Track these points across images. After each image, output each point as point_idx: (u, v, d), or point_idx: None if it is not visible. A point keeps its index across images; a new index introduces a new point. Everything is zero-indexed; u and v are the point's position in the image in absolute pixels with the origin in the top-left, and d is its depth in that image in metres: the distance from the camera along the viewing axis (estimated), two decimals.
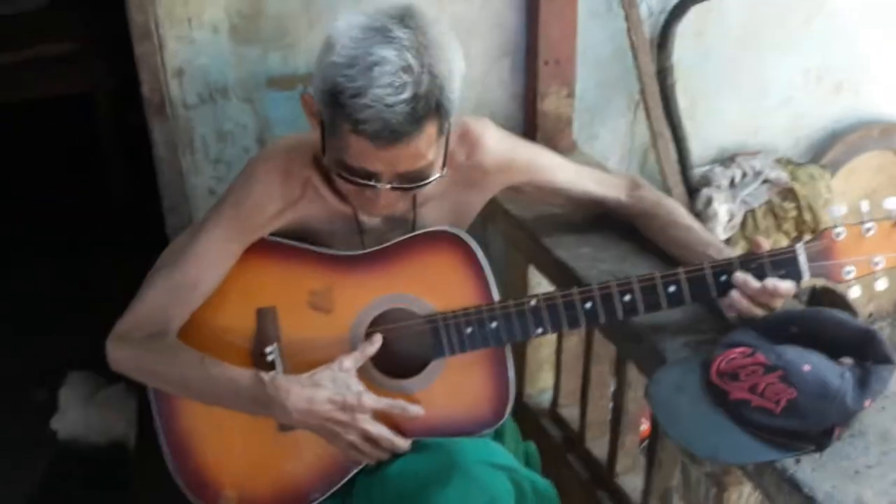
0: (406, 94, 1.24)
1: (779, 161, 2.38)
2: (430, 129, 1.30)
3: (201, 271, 1.48)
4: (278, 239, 1.53)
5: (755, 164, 2.33)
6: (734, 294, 1.39)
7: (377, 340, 1.48)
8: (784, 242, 2.32)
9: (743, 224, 2.33)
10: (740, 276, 1.38)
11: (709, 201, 2.24)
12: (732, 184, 2.31)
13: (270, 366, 1.49)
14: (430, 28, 1.29)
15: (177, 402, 1.52)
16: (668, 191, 2.23)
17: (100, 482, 2.16)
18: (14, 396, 2.51)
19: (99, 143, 3.92)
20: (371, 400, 1.43)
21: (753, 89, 2.35)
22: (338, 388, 1.42)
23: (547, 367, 2.17)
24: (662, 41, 2.14)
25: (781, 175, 2.32)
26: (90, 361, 2.24)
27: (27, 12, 4.03)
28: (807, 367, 1.25)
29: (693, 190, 2.27)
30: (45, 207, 3.89)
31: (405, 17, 1.28)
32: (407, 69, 1.24)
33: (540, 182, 1.63)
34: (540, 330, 1.48)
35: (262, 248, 1.52)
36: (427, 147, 1.32)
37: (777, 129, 2.44)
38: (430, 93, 1.26)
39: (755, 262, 1.40)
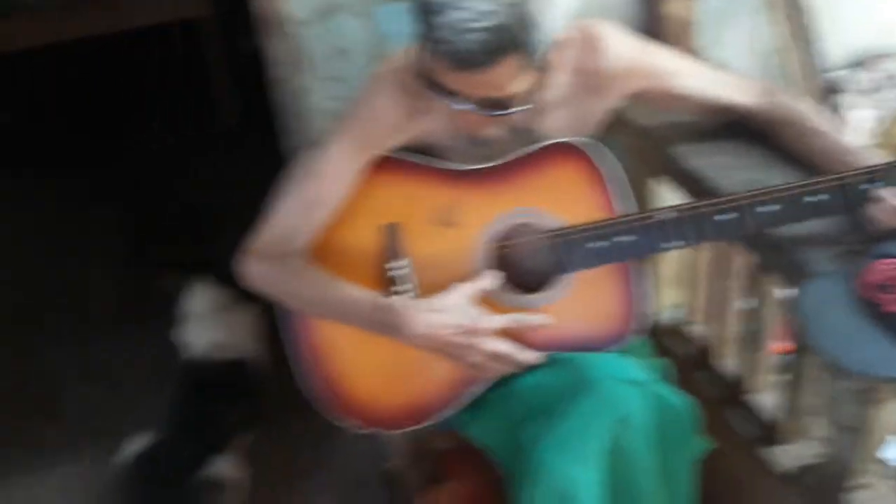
0: (482, 24, 1.22)
1: None
2: (509, 63, 1.27)
3: (326, 188, 1.49)
4: (401, 155, 1.51)
5: (891, 67, 2.17)
6: (873, 206, 1.31)
7: (495, 276, 1.47)
8: None
9: (877, 132, 2.19)
10: (884, 191, 1.30)
11: (840, 107, 2.11)
12: (867, 88, 2.16)
13: (397, 281, 1.49)
14: None
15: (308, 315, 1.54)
16: (797, 97, 2.11)
17: (228, 398, 2.22)
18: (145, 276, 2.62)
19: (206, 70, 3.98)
20: (490, 321, 1.43)
21: None
22: (458, 312, 1.42)
23: (675, 282, 2.11)
24: None
25: None
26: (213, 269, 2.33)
27: None
28: None
29: (825, 96, 2.14)
30: (151, 136, 4.01)
31: None
32: None
33: (667, 87, 1.56)
34: (672, 243, 1.43)
35: (385, 165, 1.51)
36: (508, 80, 1.30)
37: None
38: (510, 27, 1.24)
39: None
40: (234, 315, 2.33)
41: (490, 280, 1.47)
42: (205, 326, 2.32)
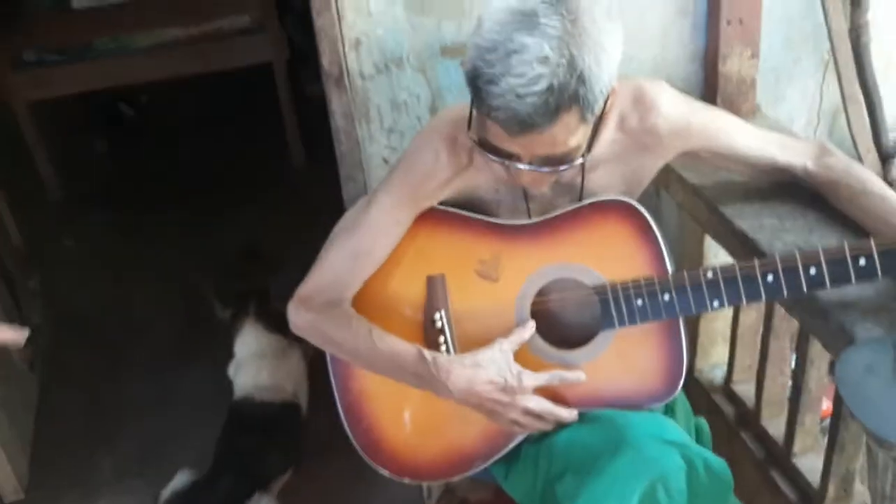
0: (539, 87, 1.21)
1: None
2: (567, 119, 1.27)
3: (374, 239, 1.52)
4: (448, 208, 1.55)
5: None
6: None
7: (531, 324, 1.49)
8: None
9: None
10: None
11: None
12: None
13: (439, 332, 1.52)
14: (582, 14, 1.23)
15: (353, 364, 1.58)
16: (859, 158, 2.08)
17: (274, 438, 2.27)
18: (201, 305, 2.69)
19: (279, 112, 4.11)
20: (531, 379, 1.44)
21: None
22: (498, 369, 1.43)
23: (720, 340, 2.10)
24: None
25: None
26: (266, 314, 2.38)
27: None
28: None
29: (887, 157, 2.11)
30: (229, 170, 4.15)
31: (558, 2, 1.24)
32: (544, 60, 1.21)
33: (718, 147, 1.56)
34: (717, 303, 1.42)
35: (432, 217, 1.55)
36: (566, 135, 1.29)
37: None
38: (566, 85, 1.22)
39: None
40: (282, 357, 2.39)
41: (527, 330, 1.48)
42: (252, 368, 2.39)
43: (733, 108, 1.98)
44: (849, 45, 2.00)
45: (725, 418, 2.03)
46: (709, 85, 2.00)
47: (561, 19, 1.22)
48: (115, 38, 4.02)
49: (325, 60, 1.86)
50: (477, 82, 1.26)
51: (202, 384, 2.70)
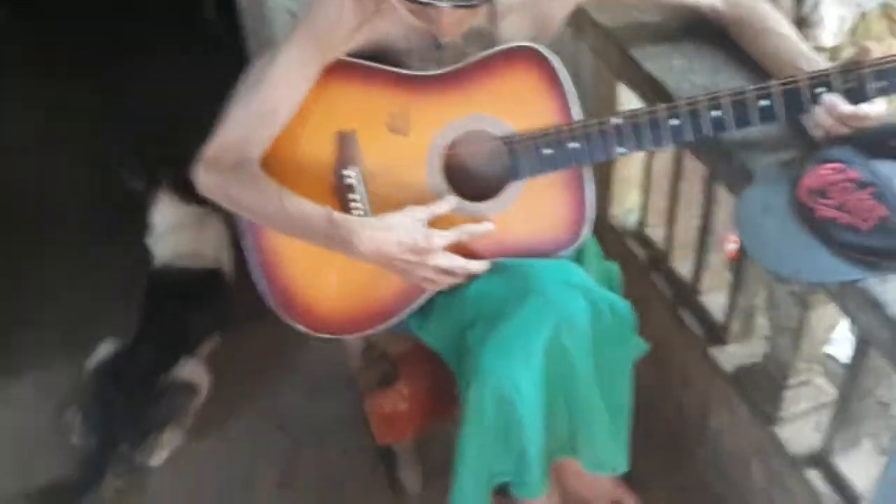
0: None
1: None
2: None
3: (280, 95, 1.48)
4: (355, 59, 1.50)
5: None
6: (819, 113, 1.31)
7: (452, 200, 1.48)
8: None
9: (854, 29, 2.16)
10: (828, 98, 1.30)
11: (816, 3, 2.07)
12: None
13: (350, 189, 1.51)
14: None
15: None
16: None
17: (196, 303, 2.27)
18: (110, 178, 2.62)
19: None
20: (440, 238, 1.44)
21: None
22: (407, 230, 1.43)
23: (633, 186, 2.13)
24: None
25: None
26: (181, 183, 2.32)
27: None
28: None
29: None
30: (139, 28, 3.95)
31: None
32: None
33: None
34: (623, 149, 1.43)
35: (339, 70, 1.50)
36: None
37: None
38: None
39: (854, 73, 1.30)
40: (200, 225, 2.36)
41: (446, 204, 1.48)
42: (170, 236, 2.35)
43: None
44: None
45: (638, 261, 2.08)
46: None
47: None
48: None
49: None
50: None
51: (122, 257, 2.64)
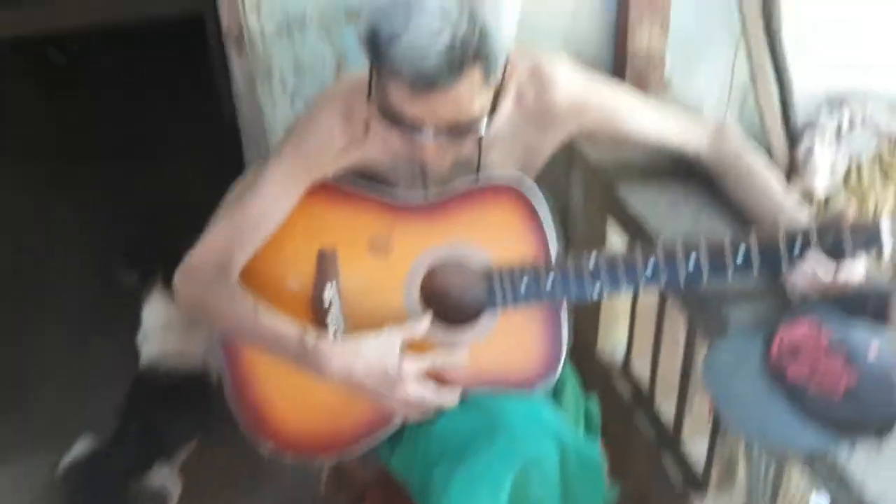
0: (442, 41, 1.18)
1: (892, 108, 2.18)
2: (471, 77, 1.24)
3: (264, 210, 1.49)
4: (341, 181, 1.52)
5: (866, 109, 2.14)
6: (797, 275, 1.30)
7: (426, 320, 1.46)
8: (891, 198, 2.14)
9: (847, 176, 2.16)
10: (809, 265, 1.29)
11: (810, 152, 2.09)
12: (839, 130, 2.14)
13: (328, 308, 1.50)
14: None
15: None
16: (766, 135, 2.09)
17: (178, 408, 2.25)
18: (104, 273, 2.64)
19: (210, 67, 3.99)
20: (412, 366, 1.42)
21: (869, 26, 2.14)
22: (379, 356, 1.40)
23: (622, 320, 2.11)
24: None
25: (893, 124, 2.13)
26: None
27: None
28: (873, 351, 1.17)
29: (794, 135, 2.12)
30: (157, 125, 4.04)
31: None
32: (445, 14, 1.18)
33: (614, 126, 1.55)
34: (597, 291, 1.42)
35: (325, 190, 1.51)
36: (470, 96, 1.26)
37: (894, 69, 2.22)
38: (469, 40, 1.19)
39: (832, 234, 1.30)
40: (190, 326, 2.35)
41: (420, 326, 1.46)
42: (159, 335, 2.34)
43: (642, 81, 1.97)
44: (760, 24, 1.99)
45: (621, 398, 2.05)
46: (618, 58, 1.99)
47: None
48: None
49: (225, 19, 1.80)
50: (377, 42, 1.22)
51: (114, 350, 2.63)
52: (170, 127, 4.01)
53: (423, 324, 1.46)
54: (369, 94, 1.34)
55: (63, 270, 3.13)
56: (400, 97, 1.27)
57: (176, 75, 4.37)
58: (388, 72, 1.24)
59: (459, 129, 1.31)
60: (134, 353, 2.40)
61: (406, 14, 1.19)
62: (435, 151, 1.35)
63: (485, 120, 1.32)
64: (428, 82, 1.22)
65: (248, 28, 1.83)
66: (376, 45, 1.23)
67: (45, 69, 4.64)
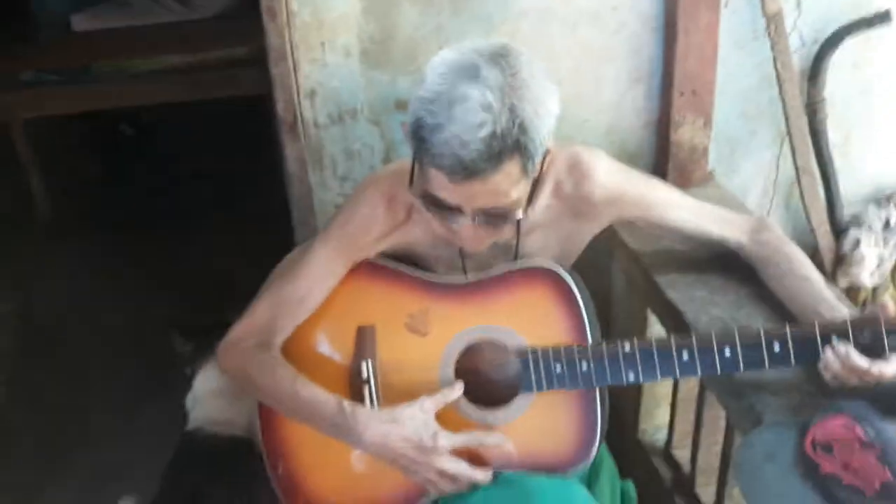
0: (483, 133, 1.24)
1: None
2: (510, 168, 1.28)
3: (308, 287, 1.55)
4: (383, 261, 1.57)
5: None
6: (829, 357, 1.30)
7: (458, 387, 1.48)
8: None
9: (894, 270, 2.15)
10: (842, 349, 1.29)
11: (857, 243, 2.08)
12: (887, 226, 2.13)
13: (364, 382, 1.53)
14: (521, 68, 1.27)
15: None
16: (812, 230, 2.10)
17: (222, 474, 2.26)
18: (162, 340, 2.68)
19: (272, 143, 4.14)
20: (447, 440, 1.43)
21: None
22: (415, 427, 1.43)
23: (664, 403, 2.10)
24: (814, 73, 2.00)
25: None
26: None
27: (206, 18, 4.37)
28: None
29: (840, 230, 2.12)
30: (221, 196, 4.18)
31: (497, 56, 1.28)
32: (487, 107, 1.24)
33: (652, 218, 1.58)
34: (632, 377, 1.43)
35: (367, 269, 1.57)
36: (508, 186, 1.31)
37: None
38: (508, 132, 1.25)
39: (869, 329, 1.30)
40: (239, 397, 2.39)
41: (453, 393, 1.48)
42: (208, 401, 2.38)
43: (685, 175, 2.00)
44: (804, 120, 2.02)
45: (663, 482, 2.02)
46: (661, 151, 2.02)
47: (501, 71, 1.26)
48: (113, 63, 4.08)
49: (280, 108, 1.89)
50: (421, 132, 1.29)
51: (160, 416, 2.69)
52: (232, 199, 4.15)
53: (456, 390, 1.48)
54: (411, 181, 1.40)
55: (113, 339, 3.22)
56: (440, 184, 1.32)
57: (238, 152, 4.54)
58: (429, 160, 1.30)
59: (497, 216, 1.36)
60: (181, 421, 2.45)
61: (449, 105, 1.25)
62: (472, 236, 1.39)
63: (523, 207, 1.37)
64: (467, 172, 1.27)
65: (303, 116, 1.92)
66: (420, 135, 1.29)
67: (115, 142, 4.85)
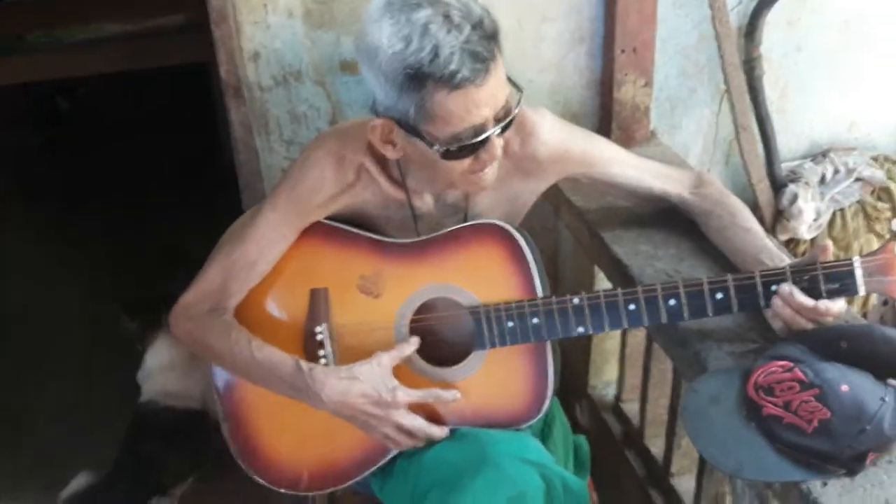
0: (468, 26, 1.27)
1: (875, 159, 2.25)
2: (499, 58, 1.32)
3: (259, 251, 1.54)
4: (333, 223, 1.57)
5: (849, 160, 2.20)
6: (777, 303, 1.35)
7: (414, 342, 1.50)
8: (875, 244, 2.20)
9: (831, 224, 2.22)
10: (786, 288, 1.34)
11: (794, 198, 2.14)
12: (823, 181, 2.20)
13: (319, 345, 1.54)
14: None
15: None
16: (751, 185, 2.15)
17: (176, 444, 2.27)
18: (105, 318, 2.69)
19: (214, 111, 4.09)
20: (405, 394, 1.46)
21: (851, 82, 2.22)
22: (373, 382, 1.45)
23: (613, 359, 2.15)
24: (750, 30, 2.04)
25: (877, 173, 2.19)
26: None
27: None
28: (844, 388, 1.20)
29: (779, 186, 2.18)
30: (160, 168, 4.12)
31: None
32: (448, 13, 1.27)
33: (595, 174, 1.61)
34: (581, 329, 1.46)
35: (317, 231, 1.57)
36: (503, 79, 1.34)
37: (875, 124, 2.29)
38: (481, 22, 1.29)
39: (808, 274, 1.34)
40: (191, 366, 2.38)
41: (409, 347, 1.50)
42: (160, 374, 2.37)
43: (627, 133, 2.03)
44: (742, 77, 2.06)
45: (614, 435, 2.07)
46: (604, 110, 2.05)
47: None
48: (48, 32, 3.97)
49: (223, 71, 1.86)
50: (420, 74, 1.27)
51: (109, 390, 2.67)
52: (172, 170, 4.10)
53: (411, 345, 1.50)
54: (430, 147, 1.36)
55: (64, 314, 3.18)
56: (464, 107, 1.30)
57: (179, 121, 4.46)
58: (446, 87, 1.28)
59: (508, 110, 1.37)
60: (134, 394, 2.44)
61: (424, 32, 1.26)
62: (496, 156, 1.39)
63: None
64: (485, 63, 1.28)
65: (247, 79, 1.90)
66: (421, 78, 1.28)
67: (51, 115, 4.75)
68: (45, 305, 3.25)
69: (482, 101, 1.31)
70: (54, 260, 3.50)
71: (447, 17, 1.26)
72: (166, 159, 4.21)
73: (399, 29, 1.28)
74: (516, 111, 1.39)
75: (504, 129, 1.38)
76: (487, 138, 1.36)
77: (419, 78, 1.28)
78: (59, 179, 4.20)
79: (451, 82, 1.27)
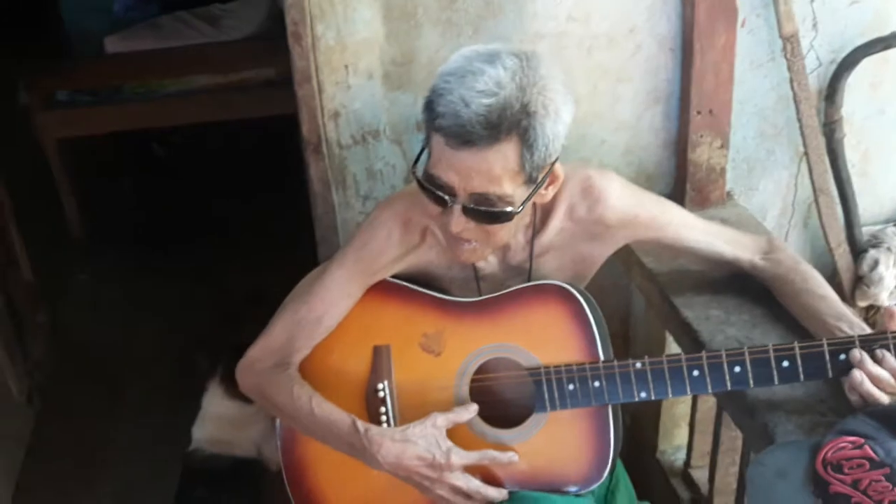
0: (487, 100, 1.27)
1: None
2: (507, 149, 1.30)
3: (325, 308, 1.57)
4: (398, 281, 1.60)
5: None
6: (855, 374, 1.31)
7: (472, 409, 1.51)
8: None
9: None
10: (857, 354, 1.30)
11: (875, 263, 2.08)
12: None
13: (381, 402, 1.56)
14: (541, 66, 1.32)
15: None
16: (830, 250, 2.10)
17: (226, 494, 2.28)
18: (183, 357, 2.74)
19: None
20: (459, 457, 1.46)
21: None
22: (427, 444, 1.45)
23: (683, 423, 2.11)
24: (831, 93, 2.01)
25: None
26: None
27: (236, 40, 4.47)
28: None
29: (860, 251, 2.12)
30: (253, 216, 4.23)
31: (520, 51, 1.32)
32: (497, 82, 1.28)
33: (665, 240, 1.60)
34: (643, 394, 1.45)
35: (383, 289, 1.60)
36: (502, 171, 1.32)
37: None
38: (514, 111, 1.28)
39: (878, 343, 1.31)
40: (242, 422, 2.40)
41: (467, 413, 1.50)
42: (208, 420, 2.39)
43: (702, 195, 2.02)
44: (821, 140, 2.03)
45: (681, 503, 2.03)
46: (679, 171, 2.04)
47: (520, 61, 1.31)
48: (144, 83, 4.18)
49: (305, 129, 1.93)
50: (431, 97, 1.33)
51: (187, 429, 2.73)
52: (265, 218, 4.18)
53: (469, 410, 1.50)
54: (415, 163, 1.42)
55: (146, 353, 3.28)
56: (438, 154, 1.34)
57: (266, 171, 4.60)
58: (434, 126, 1.32)
59: (486, 210, 1.35)
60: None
61: (463, 77, 1.30)
62: (459, 222, 1.38)
63: (516, 211, 1.37)
64: (465, 135, 1.28)
65: (326, 137, 1.96)
66: (430, 103, 1.33)
67: (148, 161, 4.95)
68: (132, 344, 3.36)
69: (453, 164, 1.33)
70: (141, 302, 3.62)
71: (493, 82, 1.28)
72: (252, 208, 4.32)
73: (462, 62, 1.33)
74: (511, 217, 1.37)
75: (470, 214, 1.37)
76: (447, 203, 1.37)
77: (430, 103, 1.34)
78: (147, 224, 4.36)
79: (434, 121, 1.32)
